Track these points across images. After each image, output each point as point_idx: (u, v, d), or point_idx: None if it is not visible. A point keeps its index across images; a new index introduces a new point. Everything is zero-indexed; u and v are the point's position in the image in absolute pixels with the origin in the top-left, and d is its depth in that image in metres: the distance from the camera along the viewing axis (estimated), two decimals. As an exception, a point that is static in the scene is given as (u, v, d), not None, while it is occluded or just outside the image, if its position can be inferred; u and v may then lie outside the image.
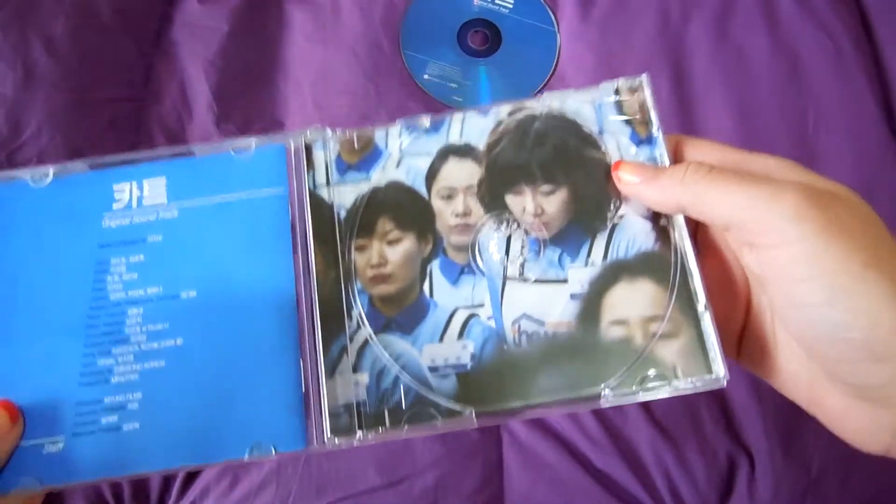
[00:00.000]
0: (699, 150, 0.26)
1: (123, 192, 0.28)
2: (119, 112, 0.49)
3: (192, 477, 0.40)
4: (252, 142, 0.28)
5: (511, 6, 0.55)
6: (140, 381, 0.25)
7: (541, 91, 0.52)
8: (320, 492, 0.40)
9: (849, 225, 0.21)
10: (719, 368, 0.24)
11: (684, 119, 0.50)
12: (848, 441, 0.23)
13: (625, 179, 0.26)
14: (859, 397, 0.22)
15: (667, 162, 0.26)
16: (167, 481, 0.40)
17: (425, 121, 0.28)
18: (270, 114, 0.51)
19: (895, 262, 0.21)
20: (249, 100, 0.51)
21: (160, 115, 0.49)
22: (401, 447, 0.41)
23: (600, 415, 0.41)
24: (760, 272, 0.23)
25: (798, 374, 0.24)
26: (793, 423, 0.40)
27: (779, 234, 0.21)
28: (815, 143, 0.49)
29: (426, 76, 0.53)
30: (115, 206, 0.27)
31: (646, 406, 0.41)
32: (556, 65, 0.53)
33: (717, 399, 0.42)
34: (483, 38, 0.54)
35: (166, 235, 0.27)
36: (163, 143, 0.49)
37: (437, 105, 0.52)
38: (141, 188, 0.28)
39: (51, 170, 0.28)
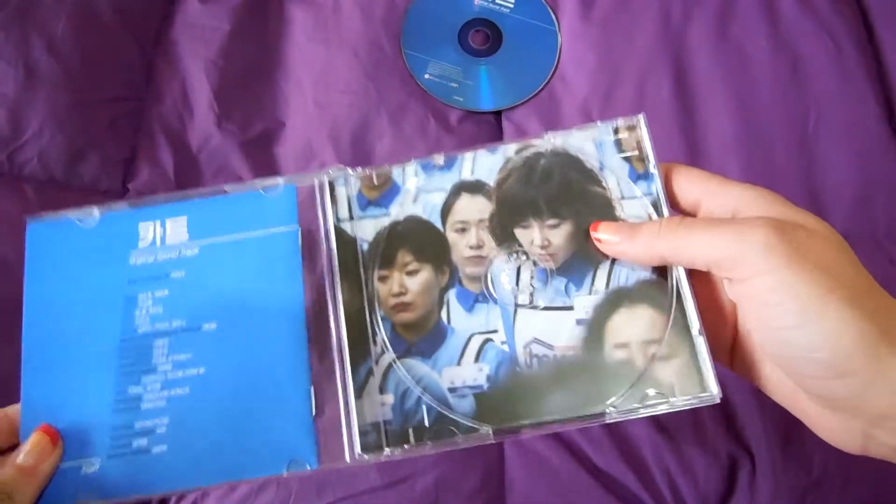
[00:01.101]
0: (686, 178, 0.28)
1: (148, 230, 0.30)
2: (120, 112, 0.49)
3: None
4: (264, 183, 0.30)
5: (512, 6, 0.55)
6: (167, 407, 0.27)
7: (541, 90, 0.52)
8: (321, 492, 0.40)
9: (814, 254, 0.23)
10: (713, 386, 0.26)
11: (684, 119, 0.50)
12: (827, 441, 0.26)
13: (604, 239, 0.28)
14: (830, 407, 0.25)
15: (662, 196, 0.28)
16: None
17: (439, 159, 0.30)
18: (271, 113, 0.51)
19: (856, 287, 0.23)
20: (250, 99, 0.51)
21: (161, 115, 0.49)
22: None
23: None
24: (738, 301, 0.26)
25: (782, 383, 0.27)
26: (793, 423, 0.40)
27: (751, 267, 0.23)
28: (815, 143, 0.49)
29: (427, 76, 0.53)
30: (141, 244, 0.30)
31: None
32: (557, 64, 0.53)
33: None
34: (484, 37, 0.54)
35: (188, 271, 0.29)
36: (163, 142, 0.49)
37: (438, 105, 0.52)
38: (164, 227, 0.30)
39: (96, 210, 0.30)
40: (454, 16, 0.55)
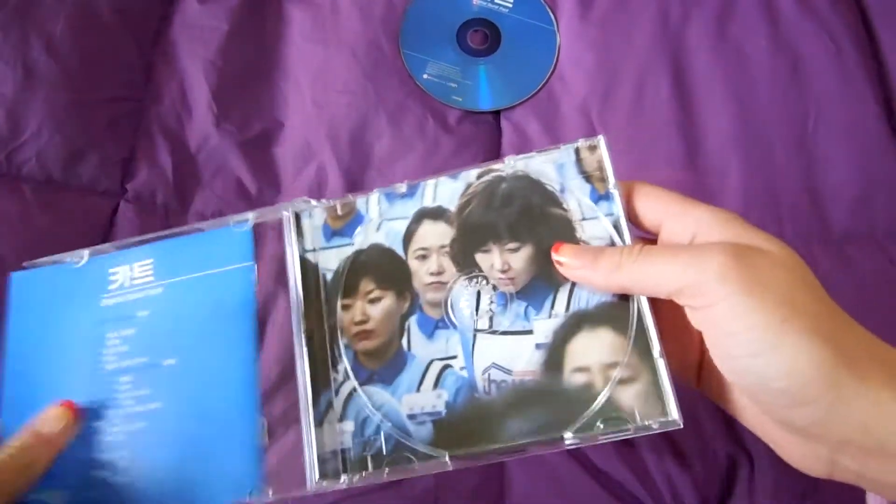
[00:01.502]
0: (647, 198, 0.28)
1: (118, 274, 0.32)
2: (119, 112, 0.49)
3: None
4: (235, 218, 0.32)
5: (510, 5, 0.55)
6: (127, 441, 0.29)
7: (540, 90, 0.52)
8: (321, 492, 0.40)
9: (771, 280, 0.23)
10: (674, 411, 0.26)
11: (684, 119, 0.50)
12: (794, 466, 0.26)
13: (564, 262, 0.28)
14: (794, 433, 0.25)
15: (622, 217, 0.28)
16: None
17: (402, 187, 0.31)
18: (270, 113, 0.51)
19: (815, 314, 0.23)
20: (249, 99, 0.51)
21: (160, 115, 0.49)
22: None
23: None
24: (699, 328, 0.25)
25: (749, 408, 0.26)
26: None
27: (708, 295, 0.23)
28: (815, 143, 0.49)
29: (425, 75, 0.53)
30: (111, 287, 0.32)
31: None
32: (556, 64, 0.53)
33: (716, 399, 0.42)
34: (483, 37, 0.54)
35: (153, 310, 0.31)
36: (162, 142, 0.49)
37: (437, 105, 0.52)
38: (132, 270, 0.32)
39: (86, 253, 0.32)
40: (453, 16, 0.55)
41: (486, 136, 0.51)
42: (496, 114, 0.52)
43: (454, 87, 0.52)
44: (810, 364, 0.22)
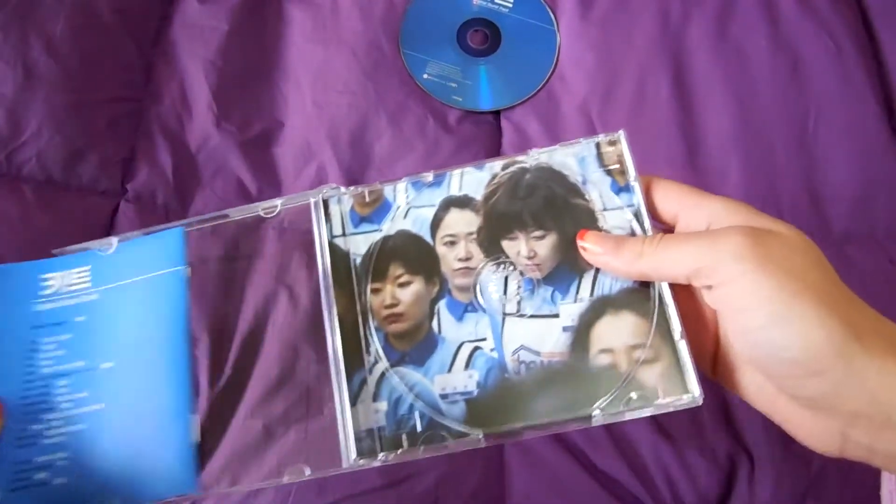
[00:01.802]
0: (665, 192, 0.30)
1: (52, 280, 0.32)
2: (119, 112, 0.49)
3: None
4: (264, 205, 0.33)
5: (511, 5, 0.55)
6: (67, 442, 0.29)
7: (540, 90, 0.52)
8: (321, 491, 0.40)
9: (783, 259, 0.25)
10: (695, 389, 0.27)
11: (684, 119, 0.50)
12: (806, 445, 0.27)
13: (589, 248, 0.29)
14: (807, 407, 0.26)
15: (643, 207, 0.29)
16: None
17: (428, 176, 0.32)
18: (270, 113, 0.51)
19: (825, 290, 0.24)
20: (249, 99, 0.51)
21: (160, 115, 0.49)
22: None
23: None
24: (716, 307, 0.27)
25: (762, 390, 0.27)
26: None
27: (724, 273, 0.25)
28: (815, 143, 0.49)
29: (426, 75, 0.53)
30: (45, 292, 0.32)
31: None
32: (556, 64, 0.53)
33: (717, 399, 0.42)
34: (483, 37, 0.54)
35: (89, 315, 0.31)
36: (162, 143, 0.49)
37: (437, 104, 0.52)
38: (66, 276, 0.32)
39: (115, 240, 0.33)
40: (453, 16, 0.55)
41: (486, 136, 0.51)
42: (496, 114, 0.52)
43: (454, 87, 0.53)
44: (821, 335, 0.23)
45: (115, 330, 0.31)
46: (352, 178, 0.49)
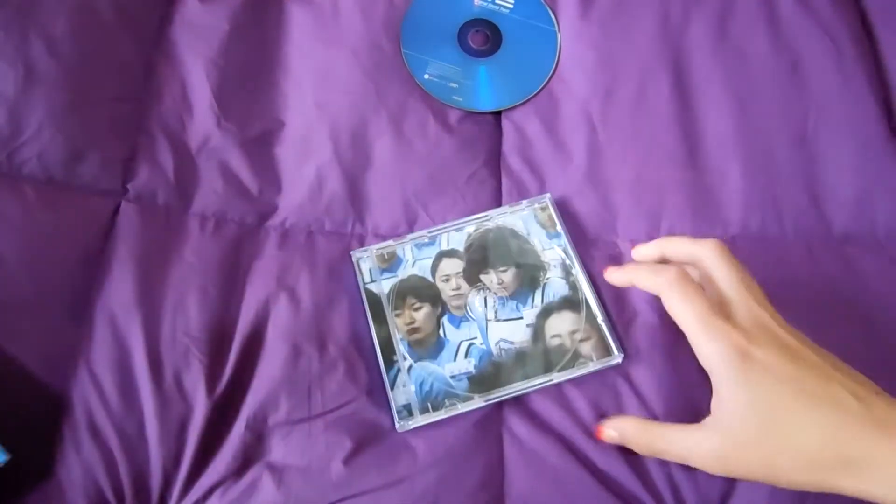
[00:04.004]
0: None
1: None
2: (120, 111, 0.49)
3: (194, 476, 0.40)
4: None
5: (511, 6, 0.55)
6: None
7: (541, 90, 0.52)
8: (321, 491, 0.40)
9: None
10: (615, 352, 0.43)
11: (684, 118, 0.50)
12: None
13: (610, 278, 0.41)
14: None
15: (569, 247, 0.46)
16: (168, 481, 0.40)
17: (425, 238, 0.47)
18: (271, 113, 0.51)
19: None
20: (250, 99, 0.51)
21: (161, 115, 0.49)
22: (401, 446, 0.41)
23: (602, 414, 0.41)
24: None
25: None
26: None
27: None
28: (815, 143, 0.49)
29: (426, 76, 0.53)
30: None
31: (647, 405, 0.42)
32: (557, 64, 0.53)
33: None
34: (483, 37, 0.54)
35: None
36: (163, 142, 0.49)
37: (438, 105, 0.52)
38: None
39: None
40: (454, 16, 0.55)
41: (486, 136, 0.51)
42: (497, 114, 0.52)
43: (455, 87, 0.53)
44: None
45: None
46: (352, 178, 0.49)
